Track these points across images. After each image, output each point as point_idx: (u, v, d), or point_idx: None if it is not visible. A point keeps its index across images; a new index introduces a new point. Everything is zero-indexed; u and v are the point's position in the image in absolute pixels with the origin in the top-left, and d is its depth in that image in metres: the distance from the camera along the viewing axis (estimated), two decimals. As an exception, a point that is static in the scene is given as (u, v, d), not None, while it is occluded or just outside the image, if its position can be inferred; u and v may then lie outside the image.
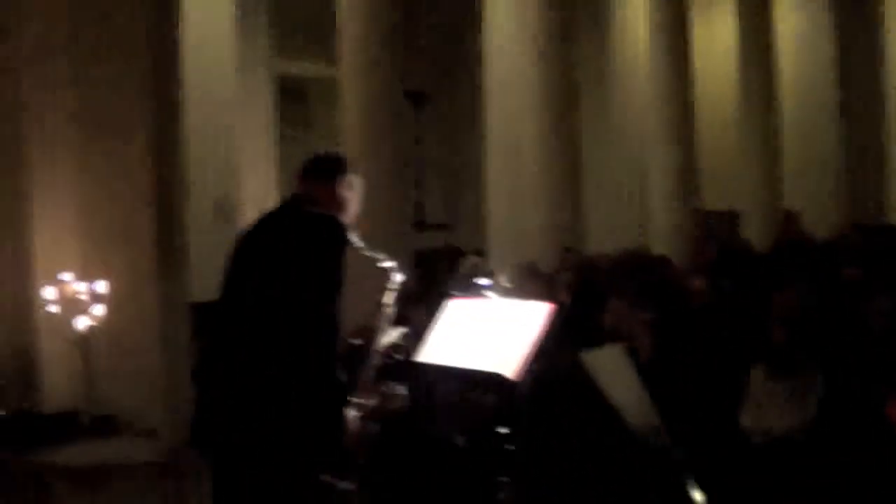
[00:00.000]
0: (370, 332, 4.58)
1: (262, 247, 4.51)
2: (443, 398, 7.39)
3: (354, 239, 4.59)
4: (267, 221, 4.64)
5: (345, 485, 4.30)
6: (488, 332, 4.74)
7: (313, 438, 4.19)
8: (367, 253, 4.67)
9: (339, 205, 4.59)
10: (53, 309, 8.19)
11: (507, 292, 5.14)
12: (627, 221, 17.15)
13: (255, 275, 4.45)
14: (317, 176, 4.63)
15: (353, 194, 4.66)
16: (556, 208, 12.23)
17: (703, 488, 5.20)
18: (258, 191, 11.03)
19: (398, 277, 4.64)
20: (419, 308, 7.93)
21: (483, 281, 5.22)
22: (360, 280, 4.56)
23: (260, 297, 4.38)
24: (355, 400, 4.40)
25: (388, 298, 4.64)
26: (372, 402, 4.47)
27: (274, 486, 4.25)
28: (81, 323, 8.23)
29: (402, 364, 4.84)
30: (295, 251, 4.37)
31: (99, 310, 8.20)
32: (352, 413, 4.31)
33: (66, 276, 8.42)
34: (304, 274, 4.28)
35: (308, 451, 4.21)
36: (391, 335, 4.74)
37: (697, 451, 5.45)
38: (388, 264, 4.66)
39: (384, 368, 4.68)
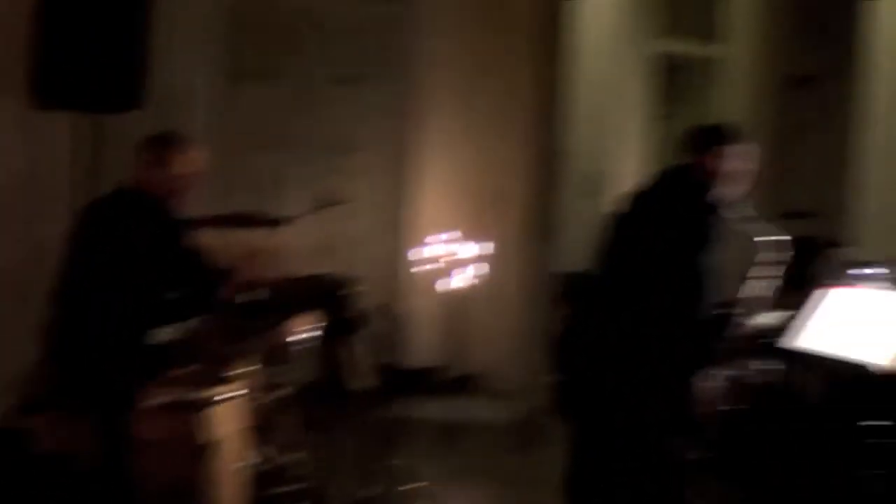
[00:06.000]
0: (732, 303, 4.42)
1: (633, 218, 4.46)
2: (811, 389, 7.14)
3: (746, 210, 4.41)
4: (640, 195, 4.57)
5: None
6: (868, 323, 4.54)
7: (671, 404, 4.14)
8: (742, 227, 4.47)
9: (714, 176, 4.40)
10: (424, 267, 8.44)
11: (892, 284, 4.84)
12: None
13: (624, 243, 4.42)
14: (691, 148, 4.48)
15: (734, 165, 4.44)
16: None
17: None
18: (627, 167, 10.94)
19: (772, 254, 4.45)
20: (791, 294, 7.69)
21: (870, 270, 4.93)
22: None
23: (627, 263, 4.35)
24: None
25: (755, 272, 4.44)
26: (734, 373, 4.35)
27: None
28: (448, 283, 8.45)
29: (769, 347, 4.69)
30: (658, 214, 4.28)
31: (468, 271, 8.39)
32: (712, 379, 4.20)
33: (438, 237, 8.67)
34: (663, 235, 4.21)
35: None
36: (771, 317, 4.59)
37: None
38: (766, 238, 4.45)
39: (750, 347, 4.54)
